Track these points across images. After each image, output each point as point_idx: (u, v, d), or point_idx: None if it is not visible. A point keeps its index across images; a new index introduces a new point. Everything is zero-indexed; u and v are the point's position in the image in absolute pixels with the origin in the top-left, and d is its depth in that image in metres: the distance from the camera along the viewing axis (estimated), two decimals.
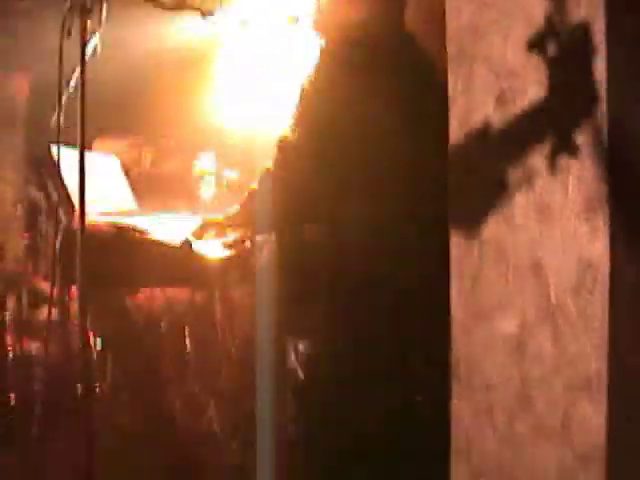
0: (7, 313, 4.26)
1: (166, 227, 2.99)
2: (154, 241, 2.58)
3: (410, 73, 2.48)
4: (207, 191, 4.58)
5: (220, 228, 2.79)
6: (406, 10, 2.69)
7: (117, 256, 2.56)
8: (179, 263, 2.56)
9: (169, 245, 2.57)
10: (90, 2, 2.41)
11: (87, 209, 2.74)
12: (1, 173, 5.28)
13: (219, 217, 2.84)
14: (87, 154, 3.13)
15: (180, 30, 4.39)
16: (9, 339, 4.15)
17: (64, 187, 2.80)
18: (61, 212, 2.73)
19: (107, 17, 4.07)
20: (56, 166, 2.81)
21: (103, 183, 3.21)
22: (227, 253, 2.61)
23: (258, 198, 2.65)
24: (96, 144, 4.46)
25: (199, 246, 2.58)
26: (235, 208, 2.78)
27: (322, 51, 2.52)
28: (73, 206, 2.61)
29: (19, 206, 4.66)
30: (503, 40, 1.47)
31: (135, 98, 4.70)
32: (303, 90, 2.60)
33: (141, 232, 2.60)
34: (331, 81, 2.51)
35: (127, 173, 3.97)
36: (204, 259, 2.58)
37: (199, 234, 2.67)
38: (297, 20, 2.67)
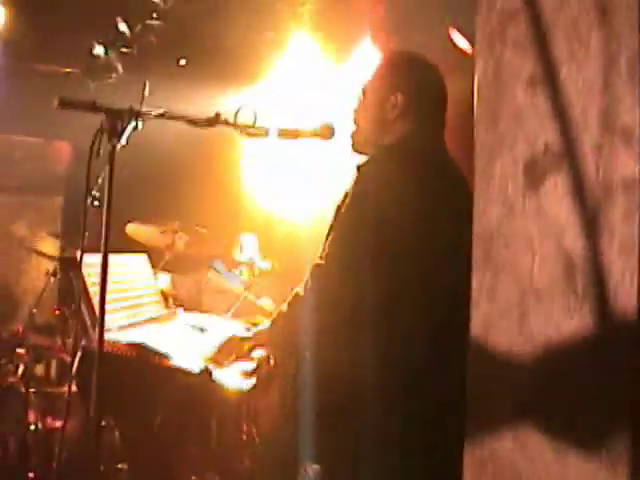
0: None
1: (190, 337, 2.91)
2: (172, 369, 2.48)
3: (448, 189, 2.40)
4: (238, 278, 4.56)
5: (244, 349, 2.70)
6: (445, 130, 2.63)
7: (132, 384, 2.48)
8: (196, 394, 2.46)
9: (187, 373, 2.47)
10: (120, 126, 2.34)
11: (109, 325, 2.71)
12: (41, 239, 5.31)
13: (246, 335, 2.75)
14: (115, 258, 3.10)
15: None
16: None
17: (88, 299, 2.73)
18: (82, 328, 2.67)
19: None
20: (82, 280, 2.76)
21: (130, 288, 3.14)
22: (248, 384, 2.50)
23: (287, 321, 2.57)
24: (129, 228, 4.45)
25: (219, 375, 2.47)
26: (263, 326, 2.70)
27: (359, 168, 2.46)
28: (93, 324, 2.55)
29: (52, 278, 4.64)
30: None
31: (169, 185, 4.72)
32: (340, 212, 2.53)
33: (160, 356, 2.50)
34: (371, 201, 2.44)
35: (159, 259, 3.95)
36: (223, 390, 2.47)
37: (220, 358, 2.57)
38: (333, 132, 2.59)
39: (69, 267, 3.57)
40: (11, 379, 4.74)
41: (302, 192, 4.91)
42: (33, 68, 5.08)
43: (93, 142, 2.29)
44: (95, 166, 2.34)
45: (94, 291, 2.67)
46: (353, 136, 2.70)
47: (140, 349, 2.51)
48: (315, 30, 5.01)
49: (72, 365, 2.53)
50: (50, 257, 4.91)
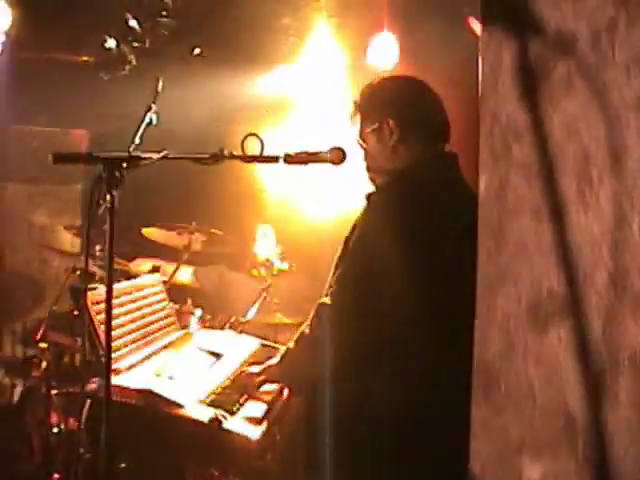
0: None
1: (203, 367, 2.88)
2: (181, 418, 2.46)
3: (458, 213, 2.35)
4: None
5: (254, 384, 2.69)
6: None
7: (141, 433, 2.47)
8: (205, 444, 2.44)
9: (196, 422, 2.45)
10: (119, 173, 2.27)
11: (119, 365, 2.70)
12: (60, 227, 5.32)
13: (255, 370, 2.73)
14: (127, 283, 3.07)
15: None
16: None
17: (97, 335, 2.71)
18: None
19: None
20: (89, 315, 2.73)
21: (145, 314, 3.11)
22: (260, 432, 2.47)
23: (294, 358, 2.57)
24: (146, 231, 4.43)
25: (229, 424, 2.45)
26: (272, 361, 2.69)
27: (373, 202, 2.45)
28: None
29: (71, 275, 4.63)
30: None
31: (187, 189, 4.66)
32: (348, 245, 2.50)
33: (169, 404, 2.48)
34: (379, 237, 2.41)
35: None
36: (234, 439, 2.44)
37: (230, 395, 2.56)
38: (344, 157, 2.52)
39: (77, 297, 3.56)
40: (35, 373, 4.80)
41: (323, 190, 4.83)
42: (49, 58, 5.00)
43: (92, 192, 2.23)
44: None
45: (102, 328, 2.64)
46: (370, 179, 2.66)
47: (149, 396, 2.49)
48: (332, 16, 4.87)
49: (81, 412, 2.52)
50: (67, 254, 4.92)
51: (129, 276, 4.46)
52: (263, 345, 3.52)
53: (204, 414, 2.46)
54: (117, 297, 2.95)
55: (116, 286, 3.02)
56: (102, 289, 2.77)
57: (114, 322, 2.81)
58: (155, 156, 2.39)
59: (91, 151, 2.32)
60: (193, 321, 4.03)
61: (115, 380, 2.56)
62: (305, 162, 2.52)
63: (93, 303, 2.74)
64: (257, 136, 2.41)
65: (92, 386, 2.56)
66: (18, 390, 5.11)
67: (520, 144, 1.33)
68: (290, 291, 4.65)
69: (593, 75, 1.19)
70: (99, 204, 2.30)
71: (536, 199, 1.30)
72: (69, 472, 3.90)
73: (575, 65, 1.22)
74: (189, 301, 4.19)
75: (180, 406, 2.48)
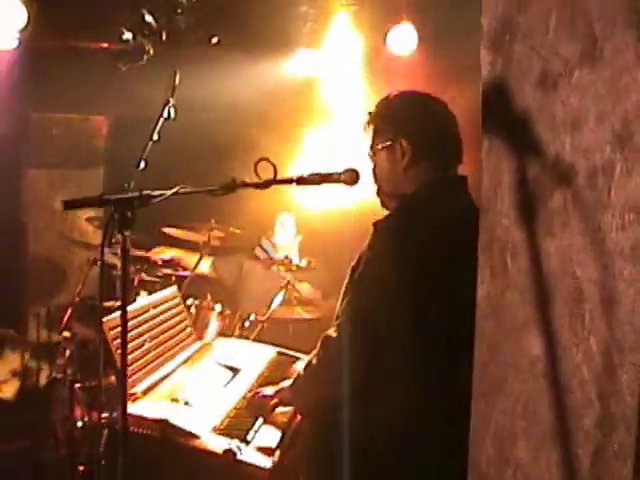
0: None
1: (219, 385, 2.93)
2: (195, 449, 2.51)
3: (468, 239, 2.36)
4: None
5: (268, 407, 2.74)
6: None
7: (156, 464, 2.53)
8: (220, 475, 2.51)
9: (211, 453, 2.51)
10: (131, 213, 2.30)
11: (136, 389, 2.75)
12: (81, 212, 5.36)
13: (269, 391, 2.78)
14: (144, 300, 3.11)
15: None
16: None
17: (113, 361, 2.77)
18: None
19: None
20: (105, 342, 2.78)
21: (162, 331, 3.17)
22: (272, 462, 2.53)
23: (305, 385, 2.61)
24: (166, 229, 4.46)
25: (243, 456, 2.50)
26: (285, 383, 2.73)
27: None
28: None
29: (93, 266, 4.70)
30: None
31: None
32: (354, 275, 2.52)
33: (184, 435, 2.53)
34: (386, 269, 2.42)
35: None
36: (248, 471, 2.50)
37: (246, 431, 2.61)
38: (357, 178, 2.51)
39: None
40: (60, 360, 4.90)
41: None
42: (68, 46, 5.00)
43: (105, 231, 2.27)
44: None
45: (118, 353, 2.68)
46: (379, 195, 2.65)
47: (164, 426, 2.54)
48: (350, 4, 4.80)
49: (99, 443, 2.59)
50: (90, 246, 4.97)
51: (149, 265, 4.51)
52: (279, 353, 3.57)
53: (219, 445, 2.51)
54: (134, 317, 3.00)
55: (132, 306, 3.07)
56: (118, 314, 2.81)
57: (131, 344, 2.88)
58: (167, 192, 2.41)
59: (103, 193, 2.35)
60: (213, 317, 4.09)
61: (132, 408, 2.62)
62: (318, 183, 2.53)
63: (110, 328, 2.78)
64: (269, 160, 2.41)
65: (106, 415, 2.62)
66: (44, 374, 5.23)
67: (516, 263, 1.33)
68: (310, 286, 4.68)
69: (589, 213, 1.18)
70: (111, 244, 2.32)
71: (529, 318, 1.31)
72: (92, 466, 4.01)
73: (572, 198, 1.21)
74: (209, 296, 4.24)
75: (196, 437, 2.53)
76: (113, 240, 4.57)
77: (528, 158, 1.28)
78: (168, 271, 4.55)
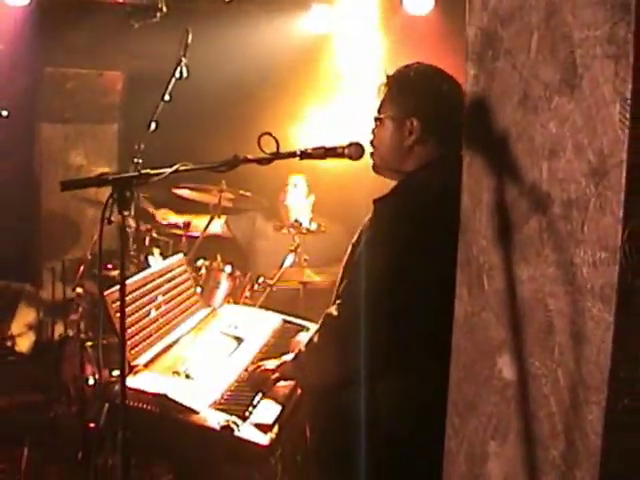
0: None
1: (222, 354, 2.97)
2: (194, 424, 2.55)
3: None
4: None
5: (269, 380, 2.77)
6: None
7: (154, 439, 2.58)
8: (218, 450, 2.54)
9: (209, 429, 2.54)
10: (130, 192, 2.31)
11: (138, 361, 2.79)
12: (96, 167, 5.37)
13: (271, 365, 2.81)
14: (151, 270, 3.13)
15: None
16: None
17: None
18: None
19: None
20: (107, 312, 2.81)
21: (168, 298, 3.19)
22: (269, 438, 2.56)
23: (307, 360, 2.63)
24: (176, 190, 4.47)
25: (241, 431, 2.53)
26: (287, 357, 2.76)
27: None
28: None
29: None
30: None
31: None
32: (354, 252, 2.53)
33: (182, 410, 2.57)
34: (386, 246, 2.42)
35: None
36: (245, 446, 2.53)
37: (245, 406, 2.64)
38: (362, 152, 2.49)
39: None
40: (73, 316, 4.97)
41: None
42: (82, 0, 4.96)
43: (104, 210, 2.28)
44: None
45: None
46: (373, 158, 2.63)
47: (163, 401, 2.57)
48: None
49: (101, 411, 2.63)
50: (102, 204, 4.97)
51: (154, 224, 4.51)
52: (285, 321, 3.59)
53: (217, 421, 2.54)
54: (139, 288, 3.02)
55: (137, 276, 3.09)
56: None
57: (135, 315, 2.91)
58: (167, 171, 2.41)
59: (102, 173, 2.35)
60: (223, 278, 4.12)
61: (132, 381, 2.66)
62: (322, 157, 2.51)
63: (113, 302, 2.80)
64: (271, 135, 2.40)
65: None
66: (59, 328, 5.30)
67: (492, 284, 1.32)
68: (320, 249, 4.68)
69: (563, 244, 1.16)
70: (110, 222, 2.34)
71: (503, 342, 1.30)
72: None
73: (547, 226, 1.19)
74: (219, 257, 4.26)
75: (195, 412, 2.56)
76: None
77: (506, 180, 1.25)
78: (180, 232, 4.57)
